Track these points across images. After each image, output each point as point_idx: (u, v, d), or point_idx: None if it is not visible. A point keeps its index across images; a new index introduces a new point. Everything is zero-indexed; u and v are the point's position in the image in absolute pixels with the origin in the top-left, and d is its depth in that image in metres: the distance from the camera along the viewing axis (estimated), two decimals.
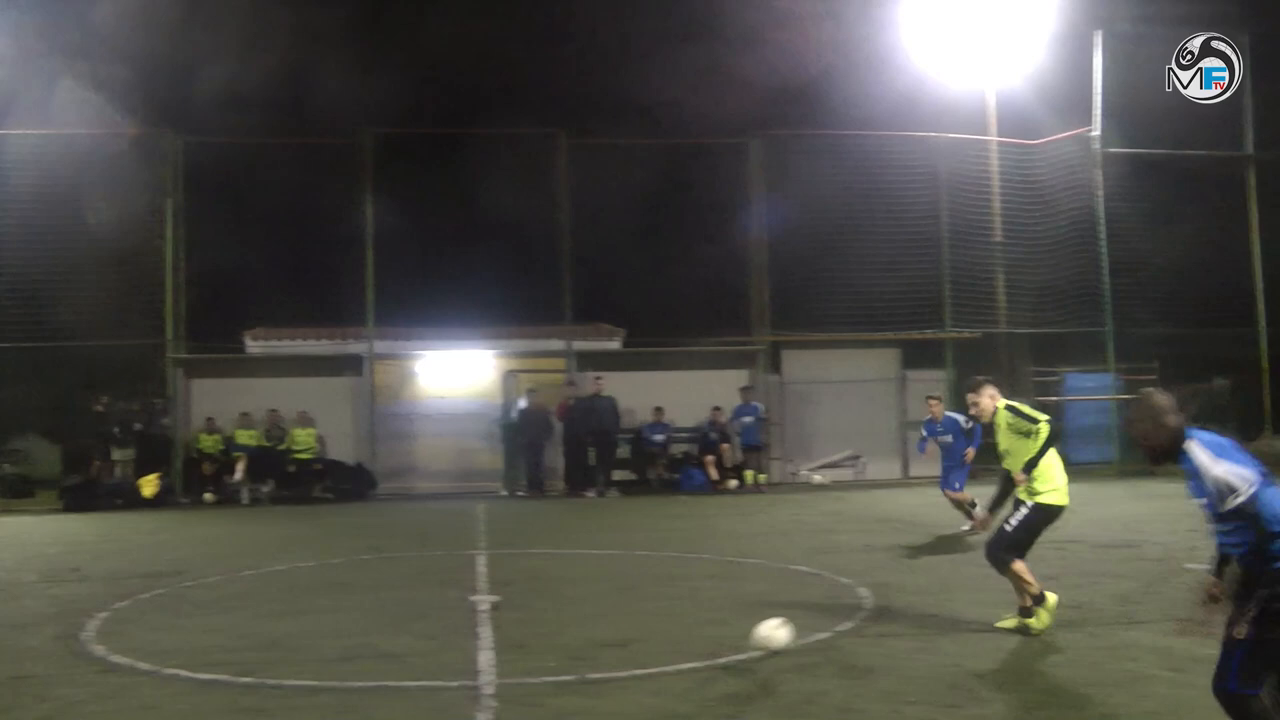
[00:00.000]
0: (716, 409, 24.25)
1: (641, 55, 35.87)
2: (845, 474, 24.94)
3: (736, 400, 24.27)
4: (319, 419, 23.99)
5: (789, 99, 31.41)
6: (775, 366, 25.53)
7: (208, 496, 22.99)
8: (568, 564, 13.71)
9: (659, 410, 24.35)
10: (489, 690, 7.40)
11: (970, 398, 9.76)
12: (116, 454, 23.56)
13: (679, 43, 40.59)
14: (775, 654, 7.95)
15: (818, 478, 24.51)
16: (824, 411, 25.24)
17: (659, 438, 24.38)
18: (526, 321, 27.85)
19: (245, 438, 23.64)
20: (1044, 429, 9.11)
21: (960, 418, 15.46)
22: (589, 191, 25.86)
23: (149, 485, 22.57)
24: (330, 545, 15.74)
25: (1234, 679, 5.05)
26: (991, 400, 9.62)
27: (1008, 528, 9.00)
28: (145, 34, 26.33)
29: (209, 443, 23.50)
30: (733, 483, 23.78)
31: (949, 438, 15.91)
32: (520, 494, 23.60)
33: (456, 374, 25.86)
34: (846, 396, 24.70)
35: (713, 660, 8.10)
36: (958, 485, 15.72)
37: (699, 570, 12.70)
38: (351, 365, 25.03)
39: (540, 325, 27.14)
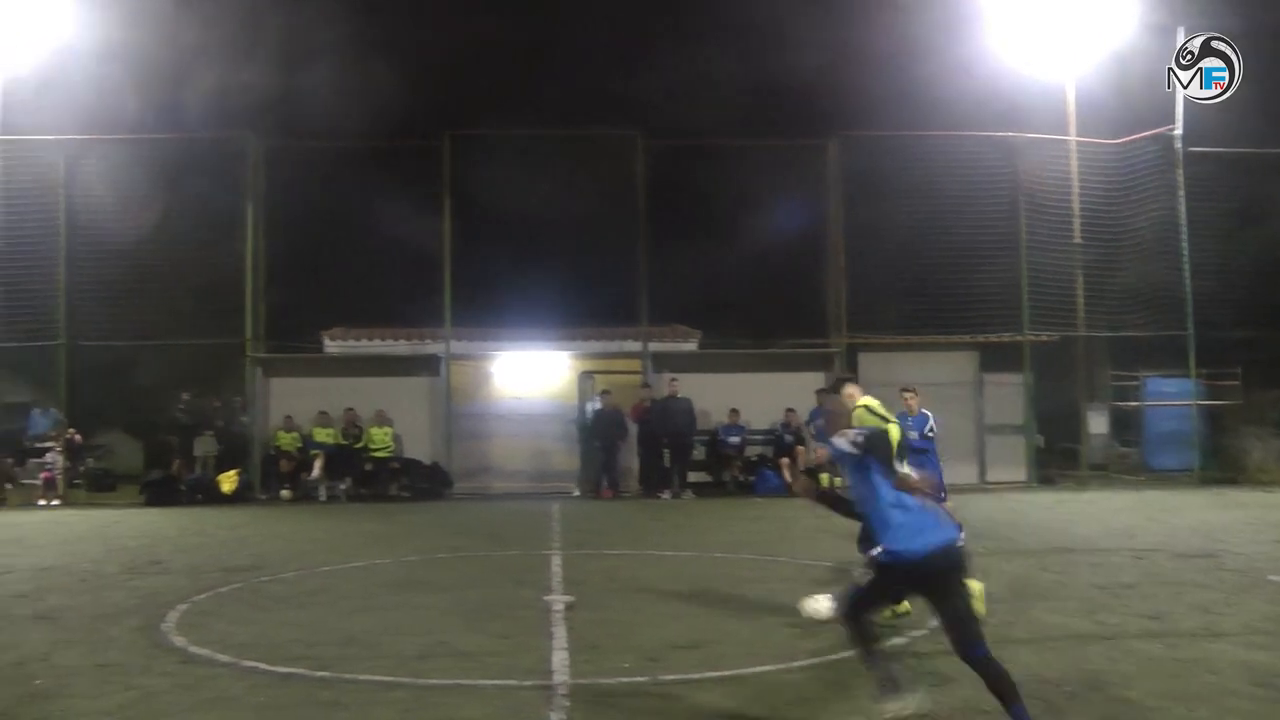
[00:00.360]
0: (790, 411, 24.14)
1: (716, 56, 35.78)
2: None
3: (812, 403, 24.10)
4: (396, 418, 24.19)
5: (866, 99, 31.26)
6: (852, 368, 25.31)
7: (285, 493, 23.24)
8: (642, 565, 13.69)
9: (734, 412, 24.29)
10: (562, 690, 7.44)
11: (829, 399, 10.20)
12: (198, 449, 23.97)
13: (754, 42, 40.52)
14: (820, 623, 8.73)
15: None
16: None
17: (734, 439, 24.31)
18: (602, 322, 27.84)
19: (323, 436, 23.86)
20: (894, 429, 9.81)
21: (932, 418, 15.39)
22: (666, 192, 25.84)
23: (228, 481, 22.93)
24: (406, 543, 15.89)
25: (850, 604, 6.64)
26: (850, 399, 9.82)
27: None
28: (226, 39, 26.77)
29: (287, 440, 23.75)
30: None
31: (915, 433, 15.68)
32: (594, 495, 23.64)
33: (532, 375, 25.90)
34: (923, 399, 24.37)
35: (788, 663, 8.08)
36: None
37: (774, 573, 12.65)
38: (428, 365, 25.18)
39: (616, 326, 27.12)
